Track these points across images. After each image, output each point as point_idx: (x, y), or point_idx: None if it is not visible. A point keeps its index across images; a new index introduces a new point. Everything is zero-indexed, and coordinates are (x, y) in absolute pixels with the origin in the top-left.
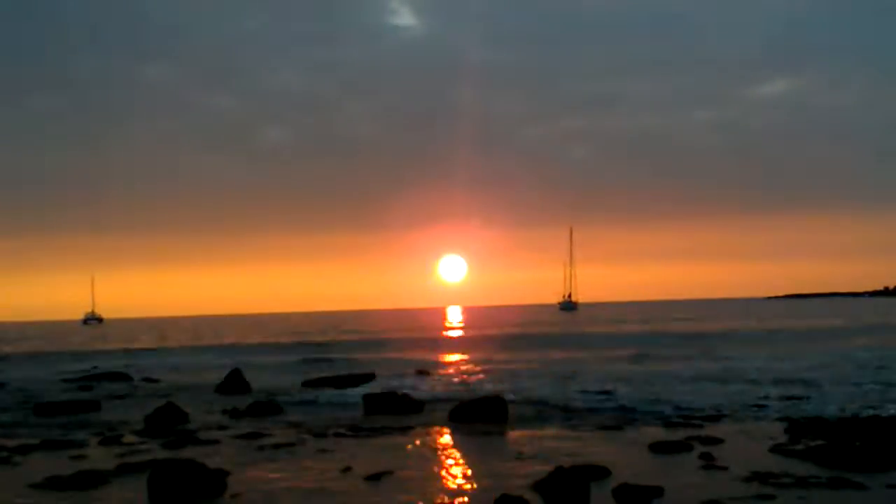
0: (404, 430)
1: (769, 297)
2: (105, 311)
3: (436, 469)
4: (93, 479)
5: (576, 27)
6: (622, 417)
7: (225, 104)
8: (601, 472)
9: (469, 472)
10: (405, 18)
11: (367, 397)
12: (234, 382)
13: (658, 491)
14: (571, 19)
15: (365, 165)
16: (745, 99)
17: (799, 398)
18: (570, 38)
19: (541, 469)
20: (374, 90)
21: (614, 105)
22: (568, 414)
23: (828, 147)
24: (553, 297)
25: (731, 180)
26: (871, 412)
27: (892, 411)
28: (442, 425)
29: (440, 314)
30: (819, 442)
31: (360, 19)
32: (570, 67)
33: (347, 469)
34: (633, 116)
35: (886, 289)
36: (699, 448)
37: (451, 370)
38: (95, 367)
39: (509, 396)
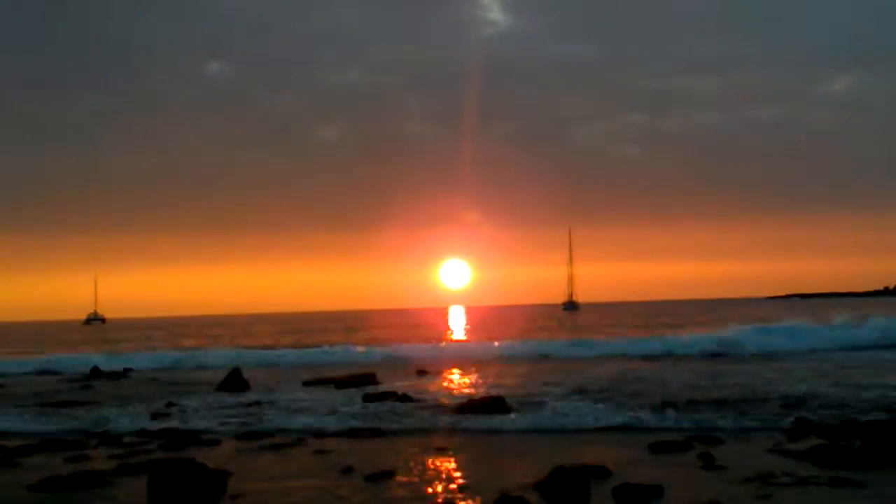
0: (404, 429)
1: (769, 297)
2: (108, 311)
3: (435, 469)
4: (92, 480)
5: (655, 21)
6: (622, 417)
7: (280, 102)
8: (601, 472)
9: (469, 472)
10: (493, 14)
11: (368, 396)
12: (234, 382)
13: (658, 490)
14: (656, 14)
15: (395, 165)
16: (807, 96)
17: (799, 397)
18: (647, 33)
19: (541, 469)
20: (435, 88)
21: (673, 102)
22: (568, 413)
23: (851, 149)
24: (557, 297)
25: (747, 180)
26: (870, 412)
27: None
28: (442, 424)
29: (443, 314)
30: (819, 442)
31: (445, 16)
32: (639, 63)
33: (347, 469)
34: (689, 114)
35: (886, 289)
36: (699, 448)
37: (452, 370)
38: (96, 367)
39: (510, 396)
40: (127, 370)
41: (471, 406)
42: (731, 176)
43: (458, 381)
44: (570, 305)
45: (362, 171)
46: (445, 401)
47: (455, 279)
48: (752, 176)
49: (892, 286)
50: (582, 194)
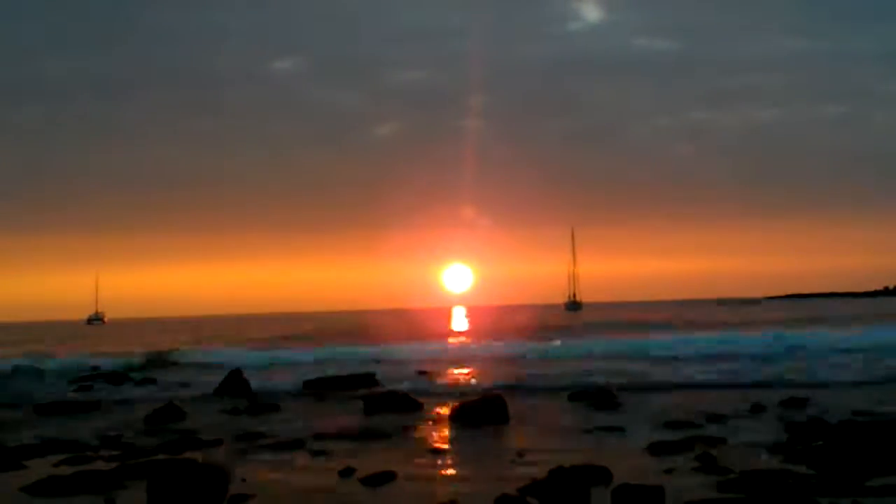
0: (404, 430)
1: (769, 297)
2: (109, 311)
3: (435, 469)
4: (93, 481)
5: (727, 15)
6: (622, 417)
7: (338, 100)
8: (601, 473)
9: (469, 472)
10: (584, 10)
11: (367, 397)
12: (234, 382)
13: (658, 491)
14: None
15: (415, 166)
16: (873, 94)
17: (800, 399)
18: (718, 27)
19: (541, 469)
20: (496, 86)
21: (735, 100)
22: (568, 414)
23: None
24: (559, 296)
25: (748, 180)
26: (871, 413)
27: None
28: (442, 425)
29: (445, 314)
30: (819, 443)
31: (534, 14)
32: (709, 59)
33: (347, 469)
34: (749, 112)
35: (886, 288)
36: (699, 448)
37: (452, 370)
38: (96, 367)
39: (510, 396)
40: (128, 370)
41: (470, 406)
42: (734, 176)
43: (458, 381)
44: (573, 305)
45: (392, 170)
46: (445, 401)
47: (460, 279)
48: (756, 176)
49: (892, 286)
50: (590, 193)
